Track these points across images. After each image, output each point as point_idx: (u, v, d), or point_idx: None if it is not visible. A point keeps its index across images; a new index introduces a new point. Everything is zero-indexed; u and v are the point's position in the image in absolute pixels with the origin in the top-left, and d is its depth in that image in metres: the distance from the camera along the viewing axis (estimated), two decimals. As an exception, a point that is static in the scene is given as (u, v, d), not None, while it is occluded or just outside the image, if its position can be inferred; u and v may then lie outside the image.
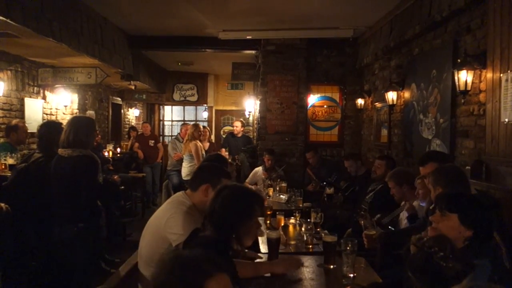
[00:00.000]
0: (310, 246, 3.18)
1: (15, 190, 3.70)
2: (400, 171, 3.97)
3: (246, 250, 2.70)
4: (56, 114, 7.38)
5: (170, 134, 12.75)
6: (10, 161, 4.99)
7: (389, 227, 3.64)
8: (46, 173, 3.41)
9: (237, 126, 8.32)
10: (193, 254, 1.26)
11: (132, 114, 11.80)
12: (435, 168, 2.93)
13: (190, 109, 12.97)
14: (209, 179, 2.51)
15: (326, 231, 3.38)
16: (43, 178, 3.44)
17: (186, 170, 6.78)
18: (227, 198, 2.00)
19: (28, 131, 5.85)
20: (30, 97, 6.57)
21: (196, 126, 6.86)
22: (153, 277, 1.22)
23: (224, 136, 10.91)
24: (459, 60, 4.02)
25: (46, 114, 7.05)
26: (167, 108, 13.03)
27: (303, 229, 3.35)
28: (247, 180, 6.58)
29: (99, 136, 7.49)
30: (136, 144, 8.97)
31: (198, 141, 6.62)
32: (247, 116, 11.68)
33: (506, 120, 3.37)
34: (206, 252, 1.28)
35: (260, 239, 3.29)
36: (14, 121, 5.45)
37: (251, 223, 2.01)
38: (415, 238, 1.83)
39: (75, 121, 3.40)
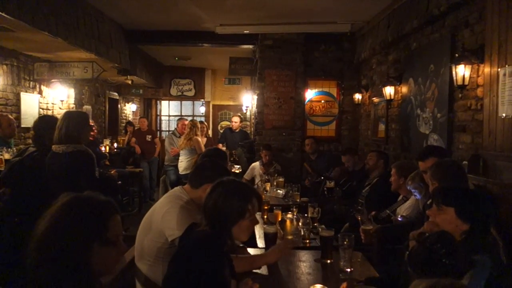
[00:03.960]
0: (307, 241, 3.18)
1: (9, 184, 3.67)
2: (406, 165, 4.01)
3: (241, 245, 2.70)
4: (53, 109, 7.35)
5: (167, 129, 12.73)
6: (6, 155, 4.96)
7: (392, 216, 3.67)
8: (41, 167, 3.38)
9: (236, 122, 8.31)
10: (93, 196, 1.44)
11: (129, 109, 11.77)
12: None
13: (187, 104, 12.94)
14: (211, 178, 2.45)
15: (323, 226, 3.39)
16: (38, 172, 3.42)
17: (184, 164, 6.78)
18: (220, 197, 1.97)
19: (24, 126, 5.83)
20: (26, 91, 6.54)
21: (201, 122, 7.00)
22: (52, 221, 1.35)
23: (221, 131, 10.90)
24: (456, 55, 4.01)
25: (43, 109, 7.02)
26: (164, 103, 13.00)
27: (300, 224, 3.35)
28: (244, 176, 6.58)
29: (96, 131, 7.47)
30: (133, 139, 8.94)
31: (199, 136, 6.71)
32: (245, 111, 11.67)
33: (504, 114, 3.37)
34: (101, 195, 1.45)
35: (257, 234, 3.29)
36: None
37: (245, 221, 1.99)
38: (416, 233, 1.83)
39: (66, 116, 3.36)
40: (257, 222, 2.16)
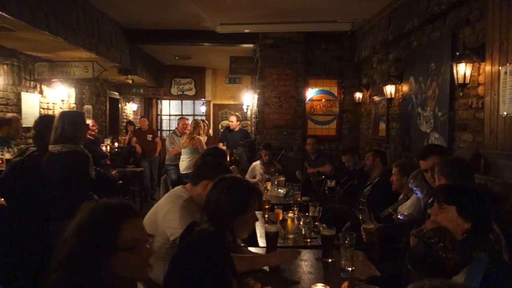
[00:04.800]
0: (309, 240, 3.17)
1: (10, 184, 3.67)
2: (408, 163, 4.03)
3: (243, 245, 2.70)
4: (53, 109, 7.34)
5: (168, 129, 12.73)
6: (7, 155, 4.96)
7: (394, 215, 3.67)
8: (41, 167, 3.38)
9: (232, 121, 8.32)
10: (111, 200, 1.48)
11: (130, 108, 11.76)
12: (436, 161, 2.93)
13: (188, 103, 12.92)
14: (211, 176, 2.46)
15: (324, 225, 3.38)
16: (38, 172, 3.42)
17: (185, 163, 6.80)
18: (223, 191, 1.98)
19: (24, 125, 5.81)
20: (27, 91, 6.53)
21: (202, 121, 7.07)
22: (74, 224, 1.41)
23: (222, 130, 10.91)
24: (457, 53, 4.00)
25: (43, 108, 7.01)
26: (165, 103, 12.99)
27: (301, 223, 3.35)
28: (246, 176, 6.58)
29: (96, 130, 7.47)
30: (134, 139, 8.95)
31: (202, 136, 6.75)
32: (245, 111, 11.66)
33: (505, 113, 3.36)
34: (121, 199, 1.50)
35: (258, 233, 3.29)
36: (8, 115, 5.40)
37: (246, 217, 1.99)
38: (415, 230, 1.83)
39: (62, 116, 3.35)
40: (257, 219, 2.16)
